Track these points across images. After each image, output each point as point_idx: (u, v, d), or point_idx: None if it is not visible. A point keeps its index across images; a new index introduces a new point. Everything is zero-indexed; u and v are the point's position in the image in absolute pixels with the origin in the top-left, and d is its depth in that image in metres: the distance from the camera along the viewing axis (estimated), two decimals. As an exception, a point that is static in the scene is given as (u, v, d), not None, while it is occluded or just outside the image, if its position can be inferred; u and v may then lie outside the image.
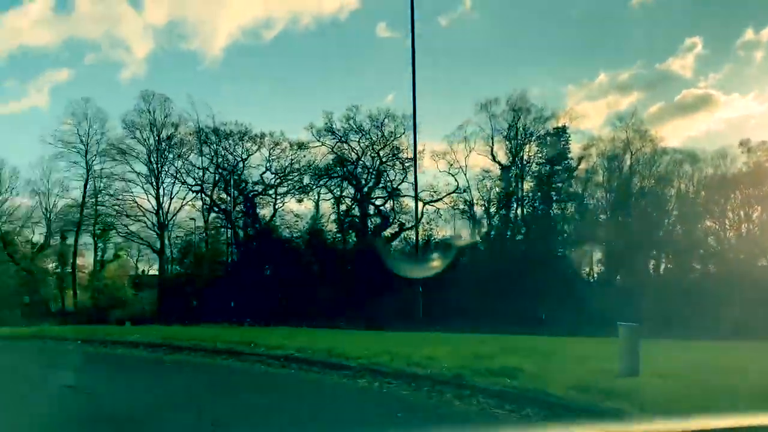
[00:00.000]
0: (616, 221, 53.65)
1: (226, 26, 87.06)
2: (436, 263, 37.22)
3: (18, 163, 63.48)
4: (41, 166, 55.08)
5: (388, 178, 54.73)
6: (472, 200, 54.41)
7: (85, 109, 54.78)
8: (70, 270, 55.97)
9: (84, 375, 15.05)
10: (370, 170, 54.82)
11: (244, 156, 55.73)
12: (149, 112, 54.72)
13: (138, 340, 20.23)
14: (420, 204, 53.28)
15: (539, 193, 53.99)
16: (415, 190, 36.87)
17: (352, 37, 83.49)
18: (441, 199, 54.16)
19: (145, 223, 55.71)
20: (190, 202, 56.54)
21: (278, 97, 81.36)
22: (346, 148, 54.94)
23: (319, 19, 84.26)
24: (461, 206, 54.63)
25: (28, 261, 54.77)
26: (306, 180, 55.81)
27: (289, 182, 56.11)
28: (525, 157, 54.07)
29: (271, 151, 55.56)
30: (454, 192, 54.14)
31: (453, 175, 54.32)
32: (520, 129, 53.36)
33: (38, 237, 57.81)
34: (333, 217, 55.79)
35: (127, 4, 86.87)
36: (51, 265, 58.13)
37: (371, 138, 54.35)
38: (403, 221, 54.35)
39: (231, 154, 55.68)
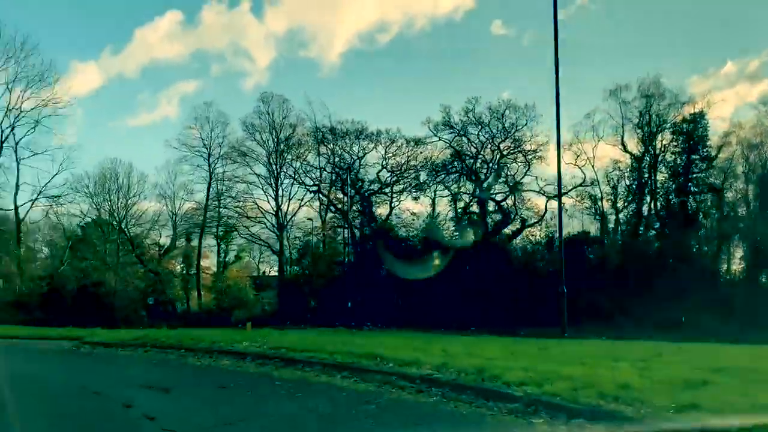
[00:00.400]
0: (761, 214, 46.60)
1: (343, 32, 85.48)
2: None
3: (148, 172, 64.06)
4: (167, 169, 54.95)
5: (509, 172, 49.73)
6: (601, 193, 48.58)
7: (207, 113, 54.33)
8: (195, 271, 54.95)
9: (173, 398, 11.47)
10: (490, 164, 49.97)
11: (361, 154, 52.82)
12: (268, 114, 53.42)
13: (246, 350, 16.69)
14: (543, 198, 48.51)
15: (674, 185, 47.23)
16: (559, 181, 32.16)
17: (467, 36, 79.71)
18: (567, 192, 48.53)
19: (264, 224, 54.23)
20: (307, 203, 54.67)
21: (394, 99, 78.83)
22: (465, 142, 50.41)
23: (434, 20, 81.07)
24: (588, 200, 48.95)
25: (155, 263, 54.10)
26: (422, 177, 52.01)
27: (406, 180, 52.58)
28: (658, 146, 47.49)
29: (387, 148, 52.35)
30: (581, 185, 48.53)
31: (580, 167, 48.78)
32: (653, 116, 46.86)
33: (165, 239, 57.48)
34: (450, 214, 51.52)
35: (250, 14, 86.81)
36: (177, 267, 57.46)
37: (491, 131, 49.46)
38: (526, 217, 49.27)
39: (347, 152, 52.79)
